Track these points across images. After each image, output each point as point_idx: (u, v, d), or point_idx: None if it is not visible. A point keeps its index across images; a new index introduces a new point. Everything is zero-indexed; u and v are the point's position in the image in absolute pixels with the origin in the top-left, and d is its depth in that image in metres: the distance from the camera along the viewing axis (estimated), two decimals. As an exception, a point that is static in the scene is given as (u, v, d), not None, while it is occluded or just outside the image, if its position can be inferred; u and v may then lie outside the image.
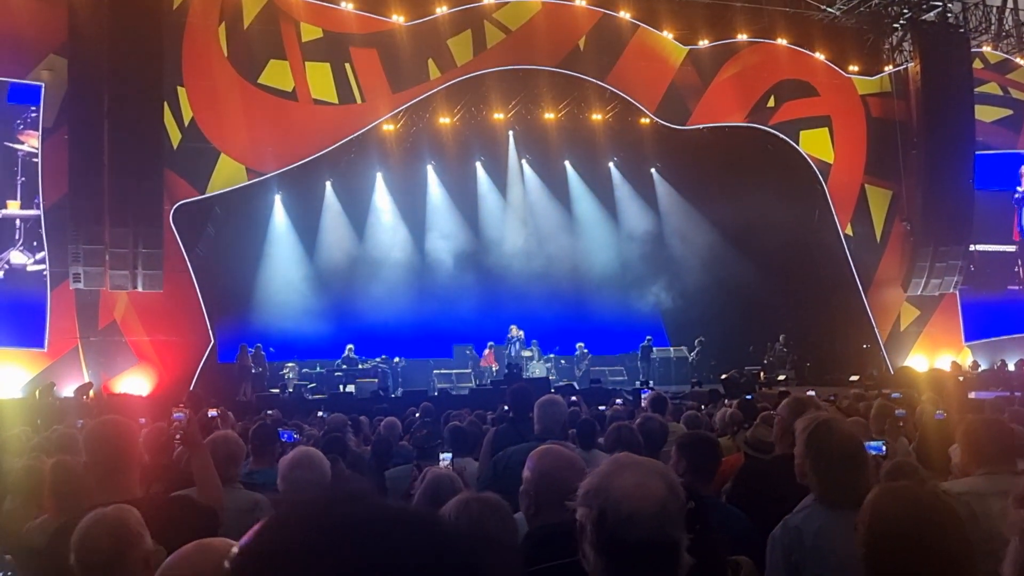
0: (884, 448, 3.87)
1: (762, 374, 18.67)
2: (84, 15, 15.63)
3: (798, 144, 20.28)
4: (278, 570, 0.76)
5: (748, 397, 10.19)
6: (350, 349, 19.36)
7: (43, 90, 16.43)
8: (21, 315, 16.15)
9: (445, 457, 4.99)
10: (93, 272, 15.64)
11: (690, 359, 21.39)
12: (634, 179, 22.85)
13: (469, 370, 19.88)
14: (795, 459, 3.23)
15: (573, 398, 10.83)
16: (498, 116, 20.64)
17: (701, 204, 21.55)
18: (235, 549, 0.82)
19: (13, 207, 16.42)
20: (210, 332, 17.08)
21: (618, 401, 12.45)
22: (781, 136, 20.14)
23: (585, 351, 21.00)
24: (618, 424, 5.71)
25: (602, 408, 10.24)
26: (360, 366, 19.11)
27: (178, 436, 3.58)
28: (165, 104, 16.39)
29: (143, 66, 15.73)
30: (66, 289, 15.97)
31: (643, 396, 10.30)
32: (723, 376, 17.41)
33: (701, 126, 20.04)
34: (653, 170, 22.79)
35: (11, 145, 16.42)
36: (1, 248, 16.32)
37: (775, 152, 20.29)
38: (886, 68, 21.44)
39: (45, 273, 16.28)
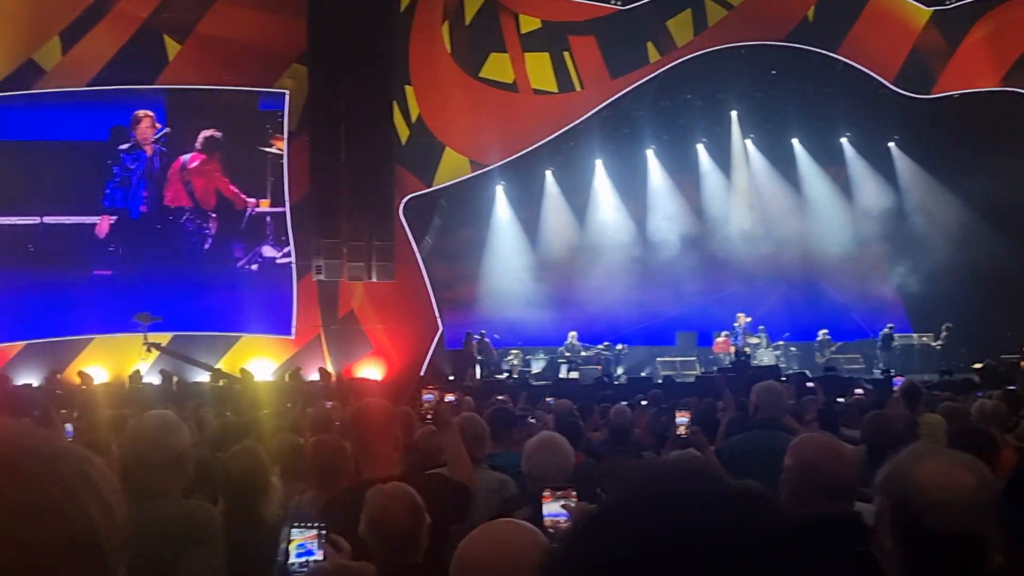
0: None
1: (1022, 363, 16.88)
2: (322, 25, 16.63)
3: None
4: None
5: (1011, 388, 9.25)
6: (573, 336, 19.45)
7: (287, 97, 17.73)
8: (272, 305, 17.54)
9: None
10: (332, 264, 16.66)
11: (936, 346, 19.72)
12: (870, 154, 21.31)
13: (694, 357, 19.38)
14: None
15: (809, 385, 10.29)
16: (720, 96, 19.94)
17: (948, 178, 19.72)
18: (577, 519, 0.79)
19: (264, 205, 17.87)
20: (438, 320, 17.76)
21: (858, 391, 11.68)
22: (1044, 101, 18.10)
23: (828, 337, 19.80)
24: (876, 413, 5.30)
25: (840, 400, 9.66)
26: (583, 353, 19.15)
27: (429, 416, 3.63)
28: (394, 103, 17.20)
29: (375, 69, 16.55)
30: (309, 280, 17.13)
31: (894, 386, 9.59)
32: (978, 365, 15.89)
33: (948, 94, 18.42)
34: (891, 144, 21.16)
35: (262, 149, 17.85)
36: (255, 243, 17.79)
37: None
38: None
39: (292, 265, 17.57)
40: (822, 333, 19.92)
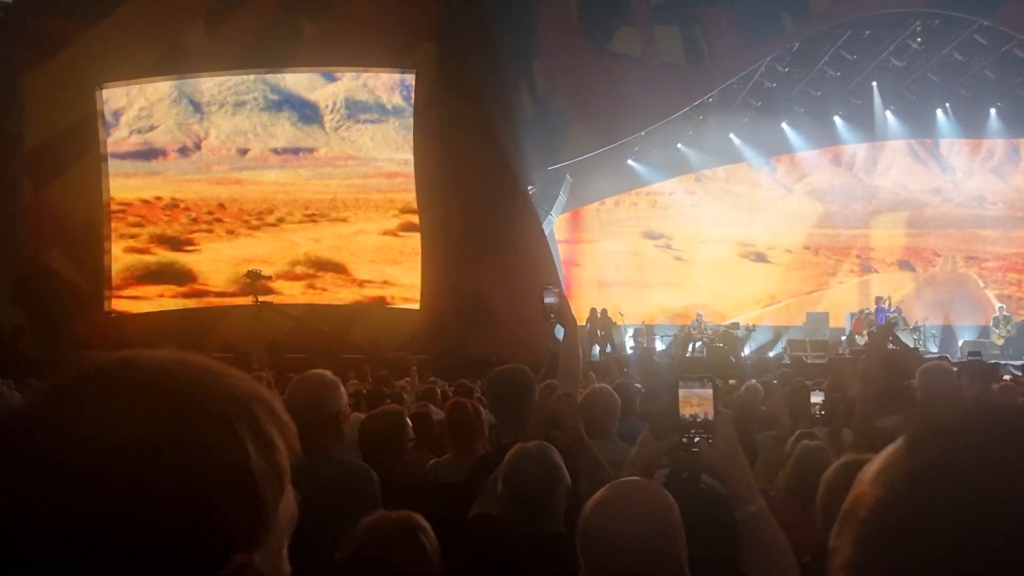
0: None
1: None
2: (451, 3, 16.79)
3: None
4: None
5: None
6: (699, 314, 19.23)
7: (415, 77, 18.02)
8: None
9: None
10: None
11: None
12: (1018, 127, 20.17)
13: (824, 338, 18.75)
14: None
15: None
16: (859, 66, 19.05)
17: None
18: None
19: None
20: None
21: (1006, 377, 11.08)
22: None
23: (1006, 314, 18.59)
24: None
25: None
26: (709, 332, 18.85)
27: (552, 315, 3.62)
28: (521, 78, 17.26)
29: (503, 46, 16.63)
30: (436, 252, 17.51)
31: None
32: None
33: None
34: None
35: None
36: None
37: None
38: None
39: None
40: (999, 308, 18.78)
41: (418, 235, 17.93)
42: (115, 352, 0.77)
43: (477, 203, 16.74)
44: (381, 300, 18.15)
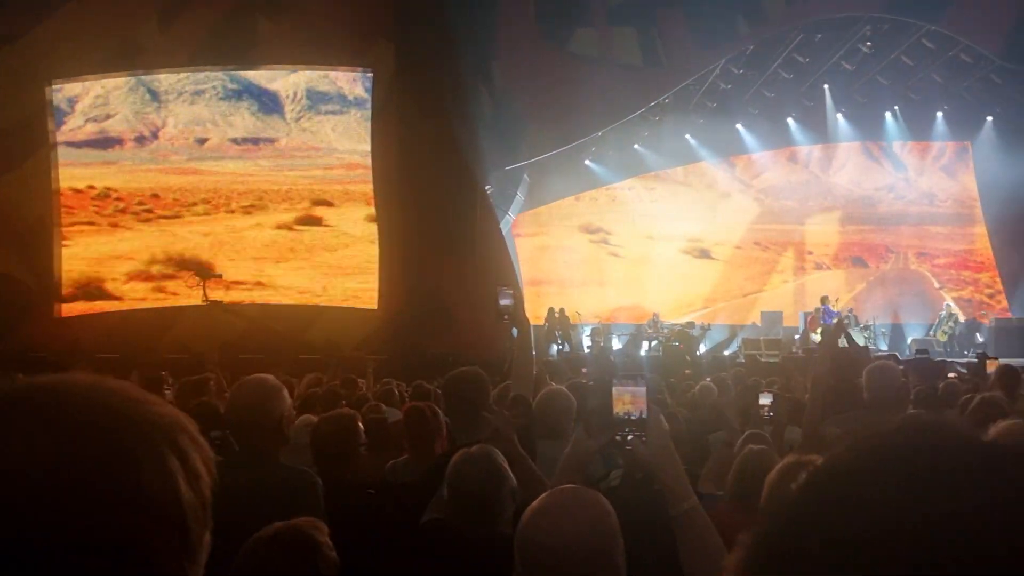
0: None
1: None
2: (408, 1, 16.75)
3: None
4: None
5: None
6: (655, 314, 19.40)
7: (373, 75, 17.95)
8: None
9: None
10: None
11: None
12: (964, 130, 20.78)
13: (778, 337, 19.05)
14: None
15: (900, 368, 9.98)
16: (811, 68, 19.35)
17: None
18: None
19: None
20: (521, 295, 17.87)
21: (951, 375, 11.30)
22: None
23: (953, 312, 19.03)
24: (982, 397, 5.13)
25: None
26: (665, 331, 19.04)
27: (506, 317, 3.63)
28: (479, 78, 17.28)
29: (461, 45, 16.62)
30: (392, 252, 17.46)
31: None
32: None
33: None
34: (989, 118, 20.45)
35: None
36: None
37: None
38: None
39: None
40: (946, 306, 19.16)
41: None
42: (38, 378, 0.75)
43: (435, 202, 16.73)
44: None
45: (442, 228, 16.76)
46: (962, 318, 19.34)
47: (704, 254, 21.35)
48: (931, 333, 19.07)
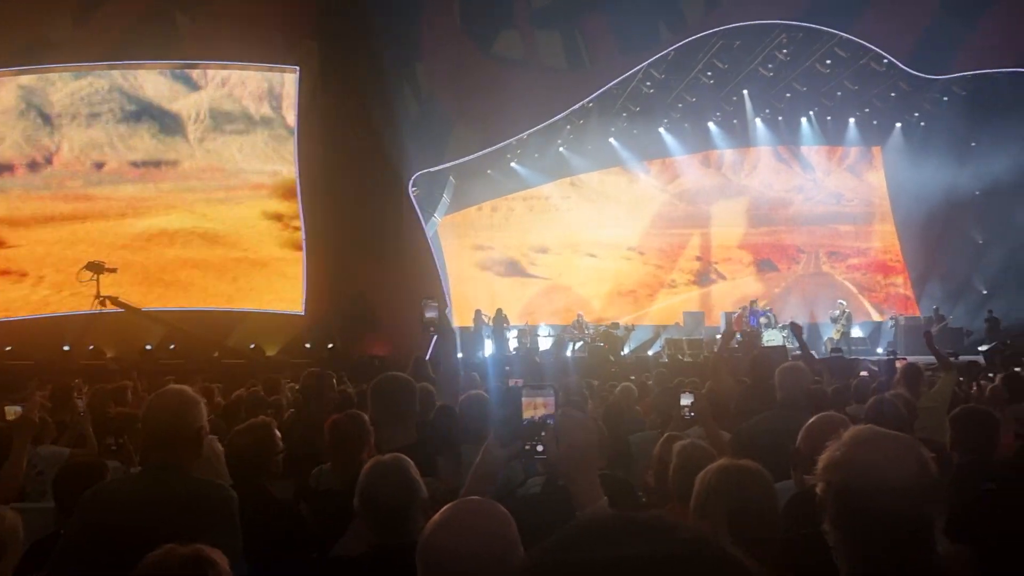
0: None
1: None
2: (332, 1, 16.60)
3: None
4: None
5: (1017, 370, 9.20)
6: (580, 315, 19.57)
7: (298, 74, 17.74)
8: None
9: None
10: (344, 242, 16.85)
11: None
12: (875, 135, 21.57)
13: (701, 337, 19.43)
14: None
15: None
16: (730, 74, 19.80)
17: (954, 161, 19.68)
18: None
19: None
20: (447, 296, 17.84)
21: (863, 373, 11.69)
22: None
23: (847, 311, 19.63)
24: (879, 396, 5.31)
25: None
26: (589, 332, 19.23)
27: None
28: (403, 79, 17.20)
29: (385, 46, 16.55)
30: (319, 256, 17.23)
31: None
32: (983, 348, 15.92)
33: (962, 74, 18.29)
34: (898, 124, 21.29)
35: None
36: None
37: None
38: None
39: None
40: (841, 305, 19.75)
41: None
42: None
43: (360, 205, 16.61)
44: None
45: (368, 231, 16.66)
46: (853, 317, 20.00)
47: (623, 256, 21.66)
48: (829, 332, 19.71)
